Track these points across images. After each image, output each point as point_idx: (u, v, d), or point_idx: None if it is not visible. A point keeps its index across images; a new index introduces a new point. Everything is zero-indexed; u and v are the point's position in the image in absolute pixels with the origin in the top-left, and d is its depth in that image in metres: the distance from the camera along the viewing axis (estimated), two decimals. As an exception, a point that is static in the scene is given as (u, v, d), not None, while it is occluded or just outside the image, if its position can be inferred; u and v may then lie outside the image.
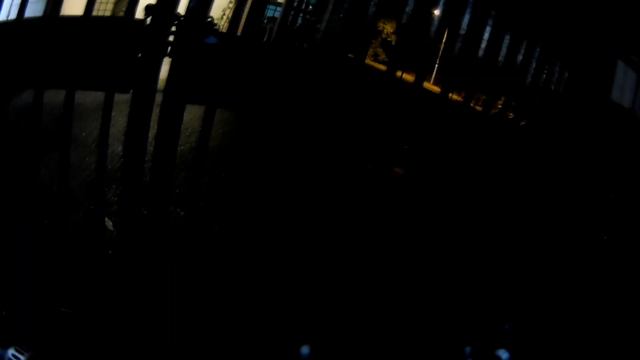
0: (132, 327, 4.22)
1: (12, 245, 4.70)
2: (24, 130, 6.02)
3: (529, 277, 7.19)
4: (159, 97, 5.53)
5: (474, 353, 4.66)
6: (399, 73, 7.38)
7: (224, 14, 15.97)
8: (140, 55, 4.15)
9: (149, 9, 4.74)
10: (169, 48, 6.78)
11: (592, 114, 11.73)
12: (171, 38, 5.67)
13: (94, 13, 5.94)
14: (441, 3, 6.47)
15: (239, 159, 8.78)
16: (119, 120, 6.66)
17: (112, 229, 5.63)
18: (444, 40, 8.97)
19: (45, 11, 4.98)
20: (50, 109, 5.03)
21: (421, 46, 6.51)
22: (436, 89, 10.74)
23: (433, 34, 6.49)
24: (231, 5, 15.93)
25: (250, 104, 5.03)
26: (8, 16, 5.23)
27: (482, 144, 8.16)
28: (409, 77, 8.30)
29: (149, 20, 4.29)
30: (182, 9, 5.09)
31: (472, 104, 10.04)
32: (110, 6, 11.95)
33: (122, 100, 5.59)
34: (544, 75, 10.37)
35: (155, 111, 6.46)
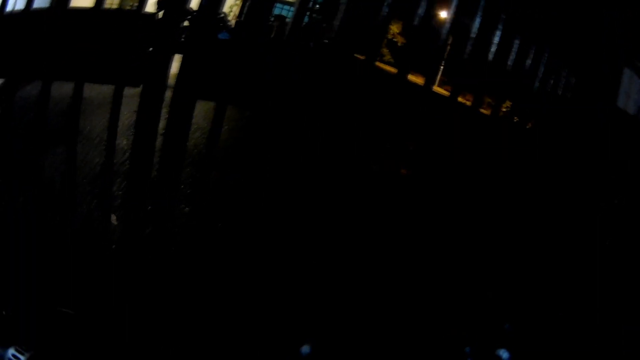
0: (134, 326, 4.20)
1: (13, 242, 4.67)
2: (29, 123, 5.99)
3: (531, 277, 7.21)
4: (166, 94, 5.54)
5: (474, 352, 4.67)
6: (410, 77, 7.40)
7: (231, 11, 15.93)
8: (151, 49, 4.11)
9: (161, 3, 4.69)
10: (181, 43, 6.73)
11: (596, 120, 11.75)
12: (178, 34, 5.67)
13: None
14: (452, 5, 6.46)
15: (244, 156, 8.76)
16: (124, 114, 6.63)
17: (115, 223, 5.61)
18: (450, 42, 8.96)
19: (52, 2, 4.95)
20: (55, 102, 5.00)
21: (432, 49, 6.51)
22: (441, 91, 10.72)
23: (444, 37, 6.47)
24: (238, 2, 15.86)
25: (259, 102, 5.00)
26: (15, 6, 5.20)
27: (489, 146, 8.17)
28: (415, 79, 8.29)
29: (160, 14, 4.24)
30: (194, 4, 5.06)
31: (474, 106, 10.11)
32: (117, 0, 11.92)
33: (127, 94, 5.56)
34: (552, 81, 10.36)
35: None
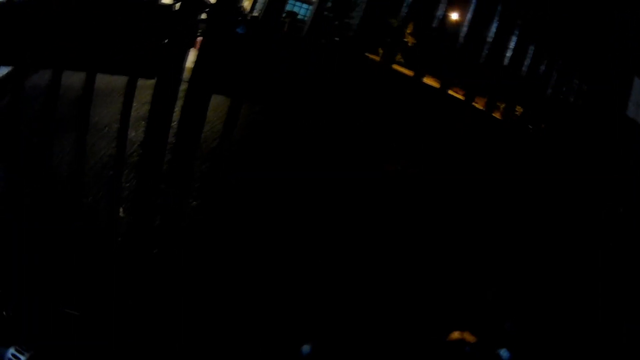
0: (135, 323, 4.15)
1: (16, 237, 4.62)
2: (36, 112, 5.93)
3: (533, 277, 7.19)
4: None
5: (475, 352, 4.62)
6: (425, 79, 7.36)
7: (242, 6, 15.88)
8: (167, 41, 4.03)
9: (179, -6, 4.64)
10: (197, 36, 6.65)
11: (606, 128, 11.71)
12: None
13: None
14: (470, 9, 6.39)
15: (253, 152, 8.71)
16: (133, 106, 6.56)
17: (122, 215, 5.54)
18: (466, 46, 8.90)
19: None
20: (62, 91, 4.93)
21: (448, 53, 6.47)
22: (452, 93, 10.65)
23: (462, 41, 6.42)
24: (250, -3, 15.83)
25: (273, 97, 4.94)
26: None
27: (502, 150, 8.15)
28: (428, 80, 8.24)
29: (177, 5, 4.17)
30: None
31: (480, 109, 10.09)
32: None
33: (137, 85, 5.50)
34: (564, 88, 10.30)
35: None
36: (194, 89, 4.03)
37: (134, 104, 6.12)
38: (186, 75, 4.11)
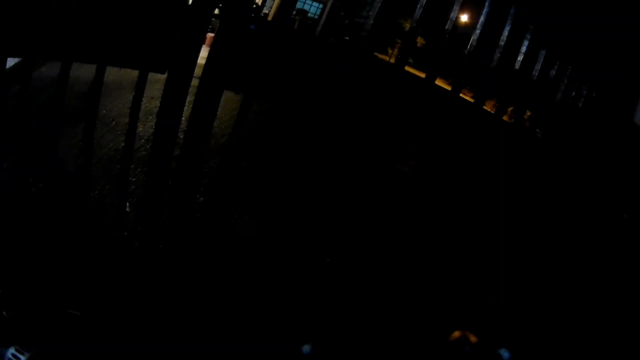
0: (139, 322, 4.14)
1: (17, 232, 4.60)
2: (44, 103, 5.91)
3: (534, 277, 7.19)
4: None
5: (475, 352, 4.60)
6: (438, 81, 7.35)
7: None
8: (179, 35, 4.00)
9: (192, -12, 4.61)
10: (210, 31, 6.63)
11: (613, 134, 11.73)
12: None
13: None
14: (484, 12, 6.34)
15: (263, 149, 8.71)
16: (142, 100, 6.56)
17: (128, 210, 5.53)
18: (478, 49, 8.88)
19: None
20: (70, 83, 4.90)
21: (460, 56, 6.43)
22: (463, 95, 10.65)
23: (474, 43, 6.38)
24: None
25: (284, 95, 4.92)
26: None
27: (510, 153, 8.16)
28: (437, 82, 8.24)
29: (191, 0, 4.14)
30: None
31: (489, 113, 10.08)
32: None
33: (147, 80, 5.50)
34: (574, 93, 10.29)
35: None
36: (205, 84, 3.99)
37: (143, 99, 6.10)
38: (197, 71, 4.08)
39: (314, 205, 7.12)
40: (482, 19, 5.95)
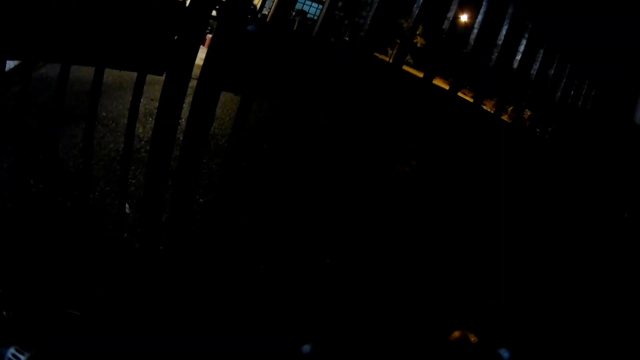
0: (139, 322, 4.16)
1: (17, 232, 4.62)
2: (44, 103, 5.95)
3: (535, 277, 7.20)
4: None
5: (475, 352, 4.62)
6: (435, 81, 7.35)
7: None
8: (176, 37, 4.02)
9: (190, -10, 4.63)
10: (208, 33, 6.64)
11: (612, 133, 11.76)
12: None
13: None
14: (481, 11, 6.33)
15: (260, 149, 8.73)
16: (141, 101, 6.60)
17: (128, 211, 5.56)
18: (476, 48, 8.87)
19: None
20: (70, 83, 4.93)
21: (458, 56, 6.43)
22: (460, 94, 10.64)
23: (472, 42, 6.37)
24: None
25: (282, 95, 4.93)
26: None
27: (510, 153, 8.18)
28: (436, 81, 8.25)
29: (188, 1, 4.15)
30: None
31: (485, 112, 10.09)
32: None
33: (146, 81, 5.53)
34: (573, 92, 10.30)
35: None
36: (203, 85, 4.01)
37: (143, 100, 6.13)
38: (195, 72, 4.10)
39: (314, 206, 7.15)
40: (479, 17, 5.96)
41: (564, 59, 8.81)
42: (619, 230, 10.06)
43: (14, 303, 3.58)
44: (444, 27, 5.83)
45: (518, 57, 7.28)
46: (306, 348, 4.26)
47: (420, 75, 6.45)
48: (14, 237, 4.48)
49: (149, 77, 4.19)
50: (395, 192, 8.68)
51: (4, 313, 3.40)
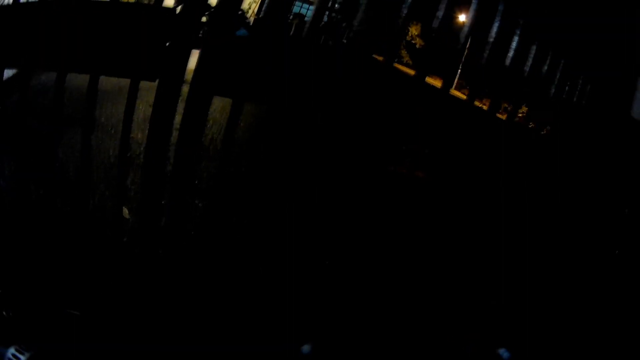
0: (139, 324, 4.22)
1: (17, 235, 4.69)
2: (42, 110, 6.03)
3: (535, 276, 7.20)
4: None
5: (475, 352, 4.65)
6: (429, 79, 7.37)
7: (250, 8, 16.00)
8: (168, 44, 4.11)
9: (180, -3, 4.72)
10: (199, 39, 6.73)
11: (609, 128, 11.70)
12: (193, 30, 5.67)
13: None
14: (472, 9, 6.38)
15: (257, 153, 8.78)
16: (139, 107, 6.65)
17: (127, 216, 5.62)
18: (468, 46, 8.91)
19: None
20: (69, 91, 5.02)
21: (450, 52, 6.46)
22: (459, 94, 10.67)
23: (463, 40, 6.42)
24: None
25: (276, 99, 4.99)
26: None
27: (506, 151, 8.17)
28: (433, 81, 8.27)
29: (179, 9, 4.24)
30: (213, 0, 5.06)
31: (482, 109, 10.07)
32: (135, -8, 11.92)
33: (142, 87, 5.60)
34: (567, 87, 10.29)
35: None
36: (195, 91, 4.10)
37: (141, 106, 6.21)
38: (188, 77, 4.19)
39: (313, 208, 7.18)
40: (470, 15, 6.02)
41: (557, 55, 8.84)
42: (619, 227, 10.00)
43: (14, 303, 3.64)
44: (433, 25, 5.89)
45: (510, 54, 7.33)
46: (306, 348, 4.29)
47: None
48: (14, 238, 4.56)
49: (148, 84, 4.28)
50: (394, 193, 8.69)
51: (4, 313, 3.46)
